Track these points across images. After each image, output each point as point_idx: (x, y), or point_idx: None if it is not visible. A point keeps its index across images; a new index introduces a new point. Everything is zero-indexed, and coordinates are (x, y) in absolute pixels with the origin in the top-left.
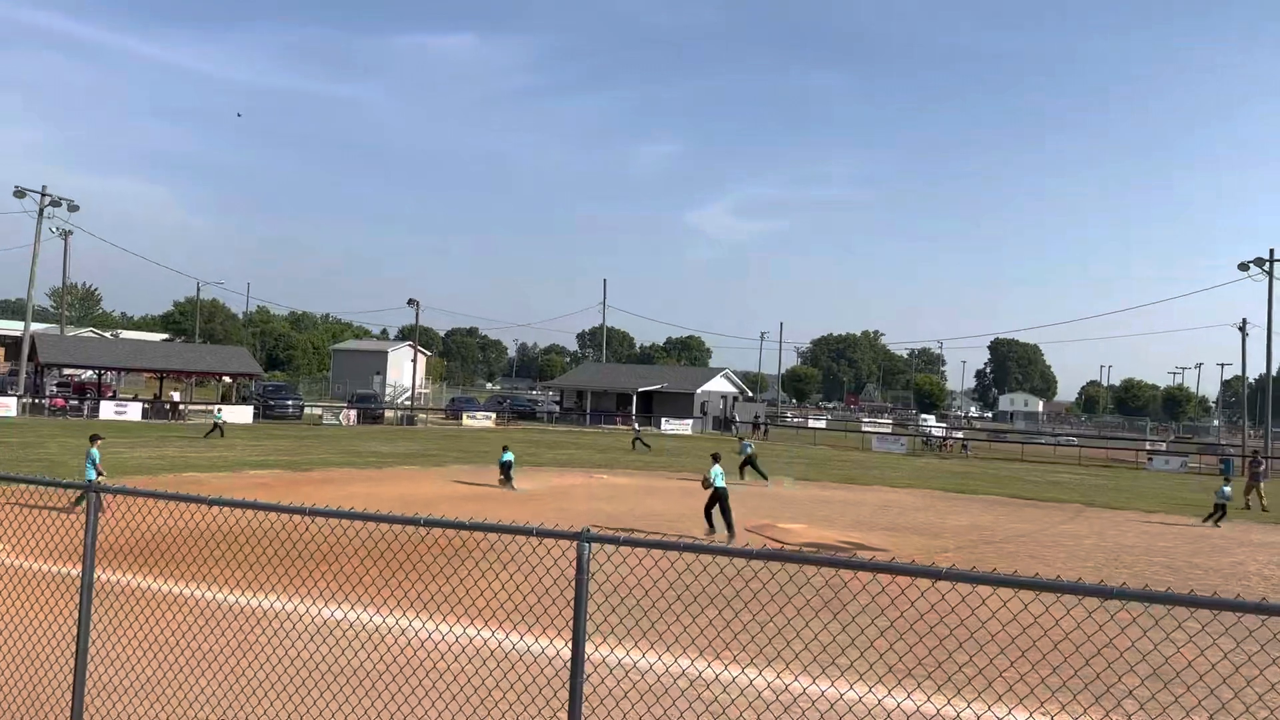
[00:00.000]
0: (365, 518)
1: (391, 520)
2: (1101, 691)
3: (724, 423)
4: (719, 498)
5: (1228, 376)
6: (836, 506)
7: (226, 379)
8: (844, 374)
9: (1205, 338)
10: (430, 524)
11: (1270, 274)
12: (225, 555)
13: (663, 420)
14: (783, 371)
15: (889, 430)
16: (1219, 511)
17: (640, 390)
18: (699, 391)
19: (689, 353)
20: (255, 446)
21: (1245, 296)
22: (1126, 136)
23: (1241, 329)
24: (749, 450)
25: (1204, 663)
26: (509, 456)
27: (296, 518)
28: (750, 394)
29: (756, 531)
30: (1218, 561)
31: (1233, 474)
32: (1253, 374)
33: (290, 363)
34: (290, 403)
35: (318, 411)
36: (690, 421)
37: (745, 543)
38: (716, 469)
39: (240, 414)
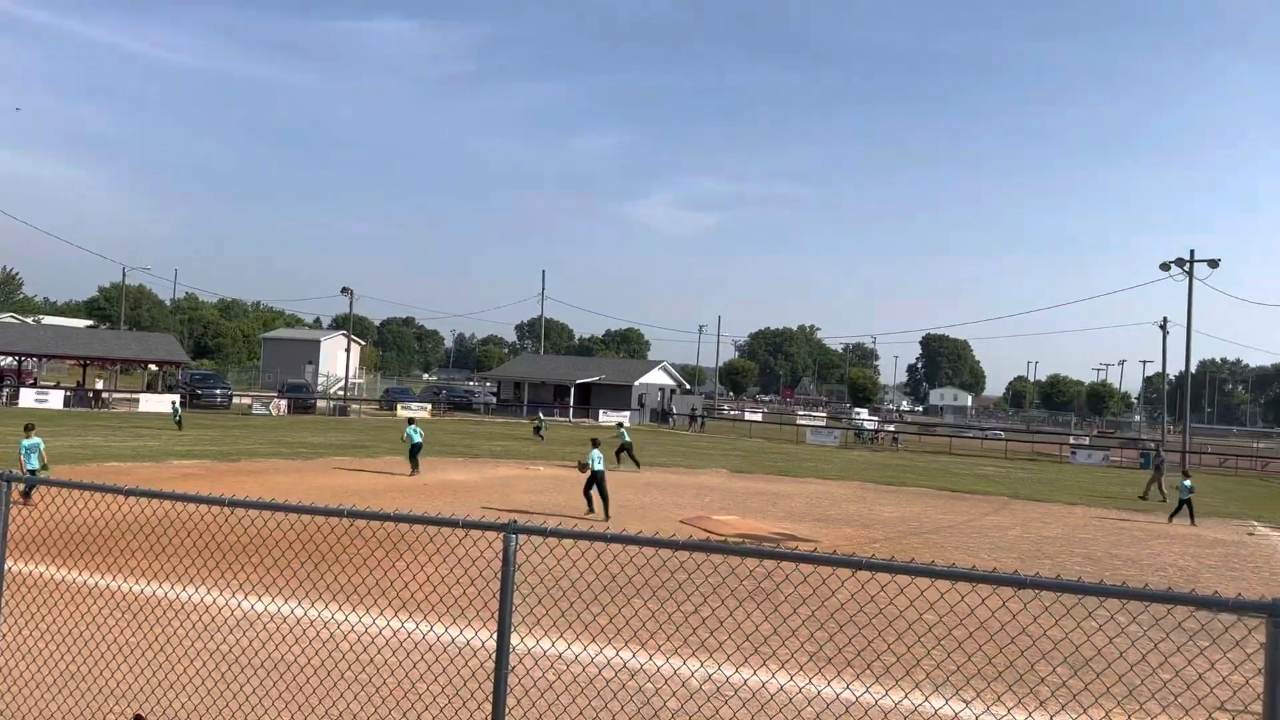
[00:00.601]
0: (288, 509)
1: (314, 511)
2: (1015, 679)
3: (661, 415)
4: (597, 480)
5: (1149, 373)
6: (770, 498)
7: (152, 367)
8: (780, 367)
9: (1128, 336)
10: (354, 515)
11: (1190, 274)
12: (146, 547)
13: (600, 412)
14: (720, 365)
15: (823, 424)
16: (1184, 506)
17: (578, 382)
18: (637, 384)
19: (628, 345)
20: (181, 436)
21: (1167, 296)
22: (1055, 137)
23: (1163, 327)
24: (625, 438)
25: (1113, 650)
26: (418, 438)
27: (219, 509)
28: (688, 386)
29: (690, 523)
30: (1136, 552)
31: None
32: (1173, 371)
33: (219, 351)
34: (218, 392)
35: (247, 401)
36: (628, 413)
37: (666, 533)
38: (595, 453)
39: (165, 403)
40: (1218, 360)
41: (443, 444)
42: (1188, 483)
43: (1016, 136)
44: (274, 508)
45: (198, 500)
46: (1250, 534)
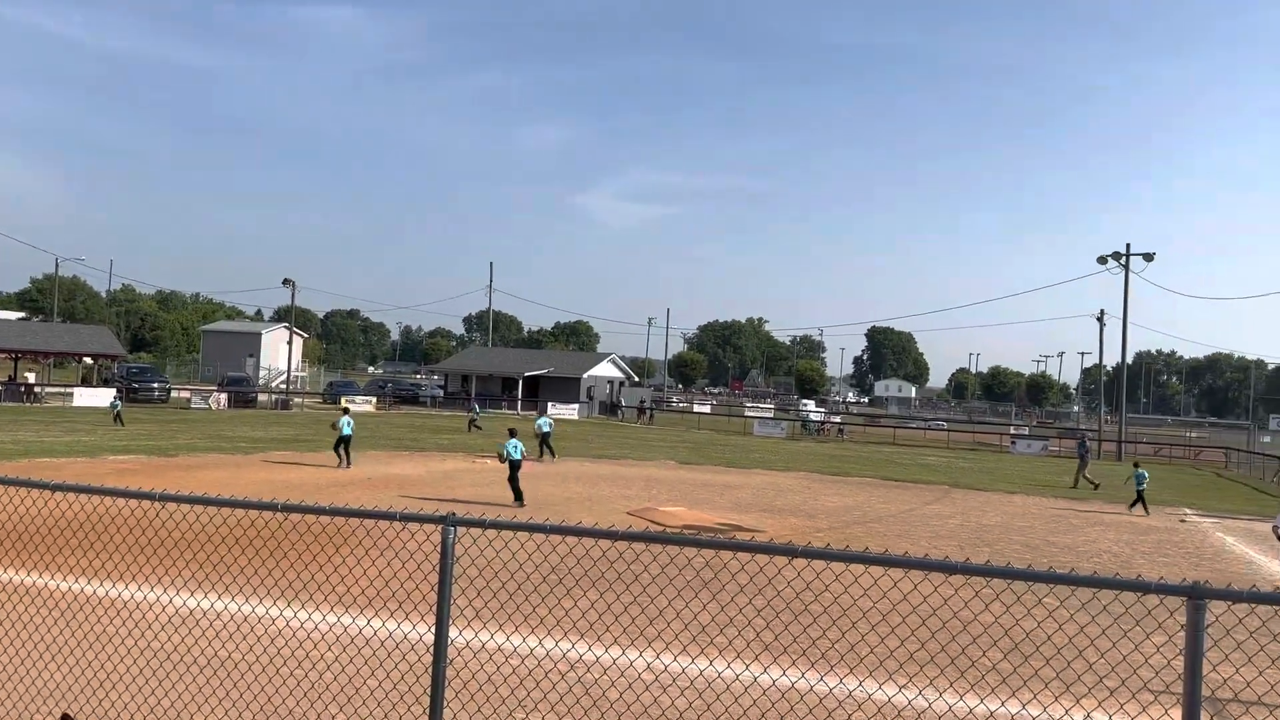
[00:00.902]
0: (220, 503)
1: (248, 506)
2: (947, 662)
3: (610, 407)
4: (514, 469)
5: (1087, 365)
6: (717, 489)
7: (87, 360)
8: (729, 360)
9: (1067, 328)
10: (289, 509)
11: (1126, 268)
12: (75, 543)
13: (549, 405)
14: (669, 357)
15: (770, 415)
16: (1141, 496)
17: (526, 375)
18: (585, 376)
19: (577, 338)
20: (117, 431)
21: (1105, 288)
22: (999, 131)
23: (1100, 319)
24: (545, 429)
25: (1042, 634)
26: (349, 430)
27: (153, 504)
28: (637, 379)
29: (637, 515)
30: (1073, 539)
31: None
32: (1110, 362)
33: (157, 344)
34: (156, 385)
35: (185, 395)
36: (576, 406)
37: (610, 524)
38: (513, 442)
39: (101, 397)
40: (1153, 352)
41: (389, 438)
42: (1142, 472)
43: (957, 130)
44: (207, 502)
45: (128, 495)
46: (1182, 521)
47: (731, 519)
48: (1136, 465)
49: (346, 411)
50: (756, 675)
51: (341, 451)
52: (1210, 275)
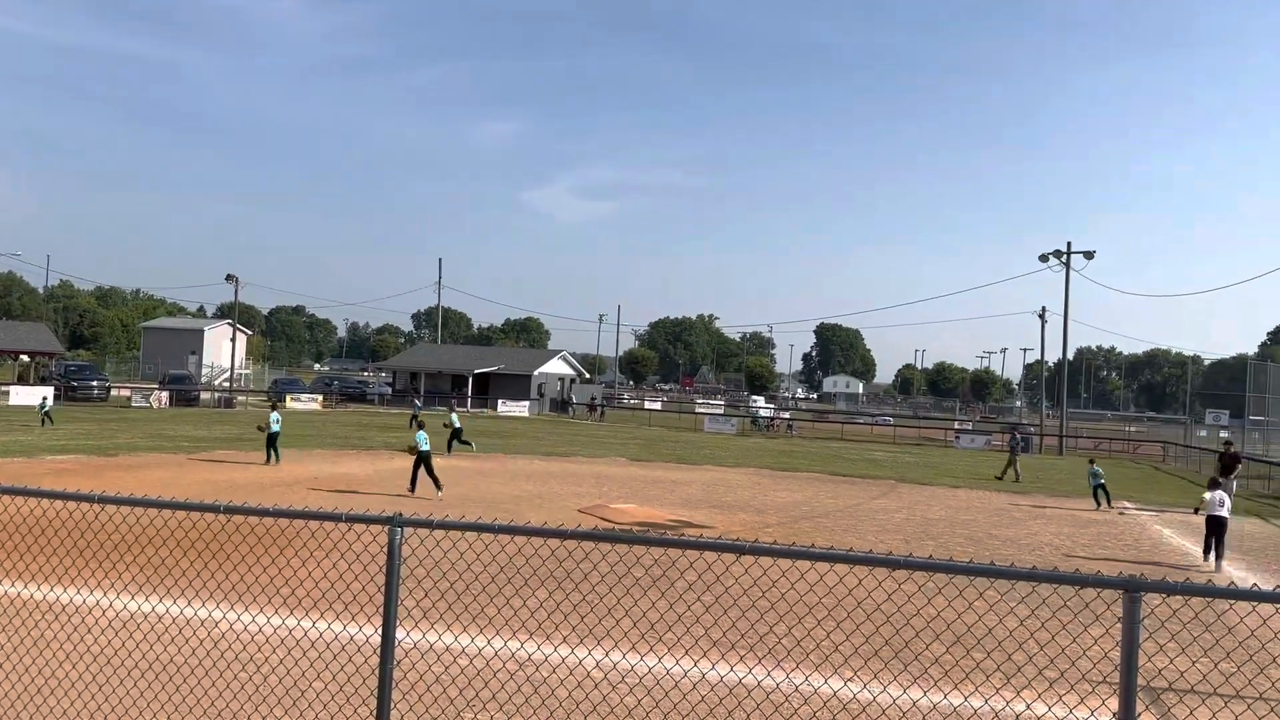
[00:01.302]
0: (161, 505)
1: (190, 508)
2: (910, 659)
3: (561, 404)
4: (424, 460)
5: (1030, 361)
6: (667, 486)
7: (24, 358)
8: (680, 356)
9: (1010, 324)
10: (231, 511)
11: (1068, 265)
12: (13, 547)
13: (499, 402)
14: (620, 354)
15: (720, 411)
16: (1099, 491)
17: (476, 372)
18: (536, 373)
19: (528, 334)
20: (55, 430)
21: (1047, 286)
22: (944, 132)
23: (1041, 316)
24: (455, 424)
25: (982, 626)
26: (277, 426)
27: (92, 506)
28: (588, 376)
29: (588, 512)
30: (1015, 532)
31: (1030, 451)
32: (1052, 358)
33: (97, 341)
34: (95, 383)
35: (126, 393)
36: (527, 403)
37: (560, 522)
38: (421, 434)
39: (38, 396)
40: (1094, 348)
41: (335, 436)
42: (1097, 469)
43: (904, 131)
44: (147, 504)
45: (65, 497)
46: (1121, 513)
47: (682, 515)
48: (1092, 462)
49: (275, 408)
50: (705, 671)
51: (272, 447)
52: (1149, 273)
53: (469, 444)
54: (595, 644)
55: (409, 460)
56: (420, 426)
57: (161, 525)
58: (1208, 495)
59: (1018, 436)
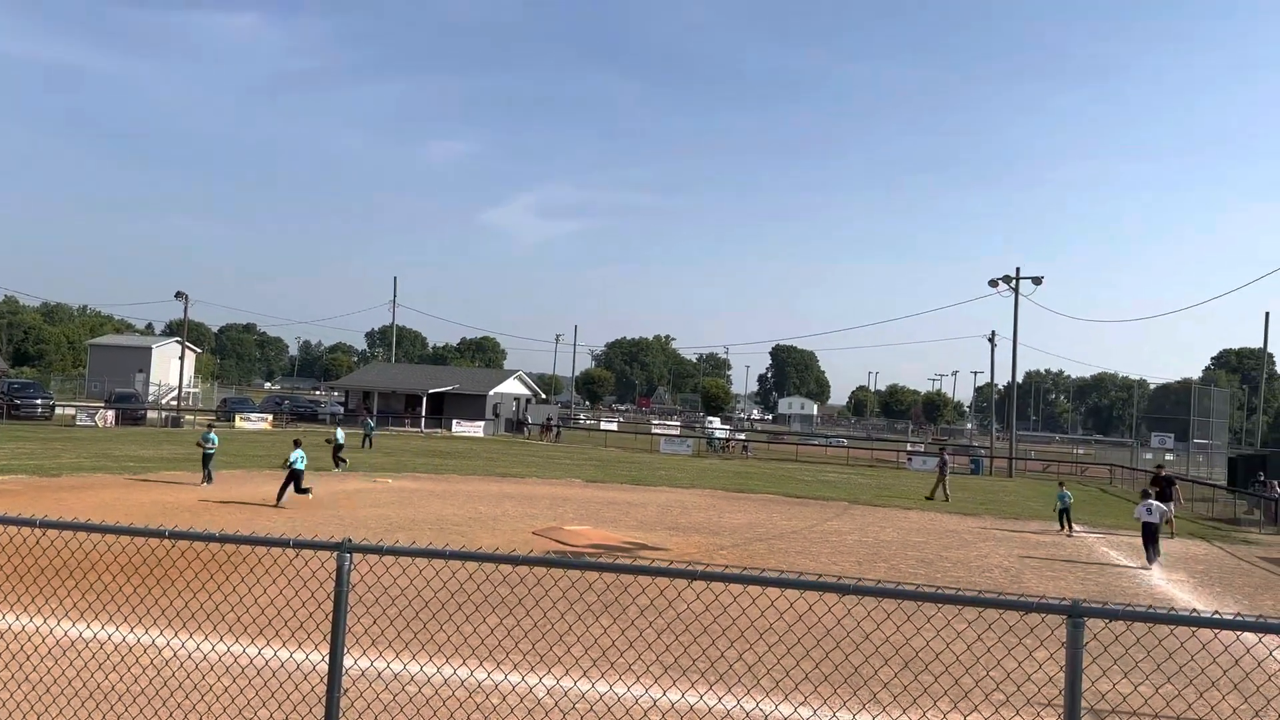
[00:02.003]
0: (104, 529)
1: (134, 533)
2: (859, 684)
3: (516, 425)
4: (295, 477)
5: (980, 384)
6: (623, 508)
7: None
8: (636, 377)
9: (961, 348)
10: (176, 536)
11: (1016, 290)
12: None
13: (454, 422)
14: (577, 374)
15: (677, 433)
16: (1064, 515)
17: (431, 392)
18: (491, 393)
19: (484, 354)
20: None
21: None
22: (898, 158)
23: (991, 340)
24: (338, 440)
25: (930, 651)
26: (213, 447)
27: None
28: (544, 396)
29: (543, 535)
30: (965, 554)
31: (982, 472)
32: (1002, 381)
33: (41, 358)
34: (39, 402)
35: (71, 412)
36: (482, 423)
37: (514, 545)
38: (298, 452)
39: None
40: (1042, 371)
41: (284, 457)
42: (1065, 492)
43: (858, 156)
44: (90, 529)
45: (4, 521)
46: (1069, 535)
47: (637, 538)
48: (1061, 485)
49: (211, 427)
50: (657, 697)
51: (206, 467)
52: (1096, 299)
53: (343, 461)
54: (546, 670)
55: (360, 482)
56: (297, 445)
57: (105, 549)
58: (1138, 507)
59: (945, 456)
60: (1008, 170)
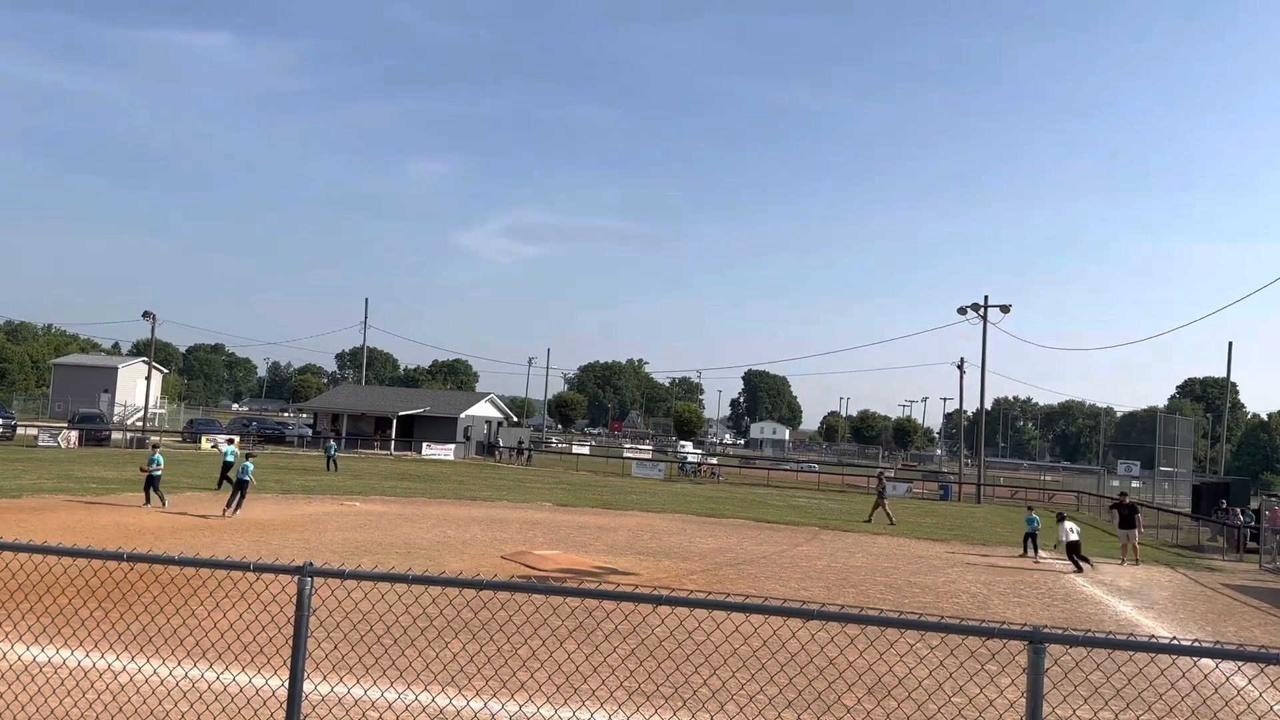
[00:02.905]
0: (62, 552)
1: (91, 555)
2: (823, 710)
3: (488, 448)
4: (151, 481)
5: (949, 410)
6: (594, 532)
7: None
8: (609, 400)
9: (931, 374)
10: (135, 559)
11: (985, 318)
12: None
13: (424, 445)
14: (549, 397)
15: (649, 457)
16: (1029, 540)
17: (401, 414)
18: (463, 416)
19: (455, 376)
20: None
21: (966, 338)
22: (870, 186)
23: (960, 367)
24: (228, 458)
25: (895, 676)
26: (159, 469)
27: None
28: (516, 419)
29: (512, 559)
30: (933, 580)
31: (951, 498)
32: (970, 408)
33: (4, 377)
34: (0, 422)
35: (33, 432)
36: (453, 446)
37: (479, 569)
38: (155, 456)
39: None
40: (1011, 398)
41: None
42: (1033, 516)
43: (832, 184)
44: (46, 551)
45: None
46: (1037, 562)
47: (607, 562)
48: (1030, 509)
49: (156, 448)
50: None
51: (151, 491)
52: (1065, 328)
53: (225, 480)
54: (510, 696)
55: (327, 505)
56: (155, 448)
57: (61, 572)
58: (1063, 529)
59: (884, 480)
60: (979, 202)
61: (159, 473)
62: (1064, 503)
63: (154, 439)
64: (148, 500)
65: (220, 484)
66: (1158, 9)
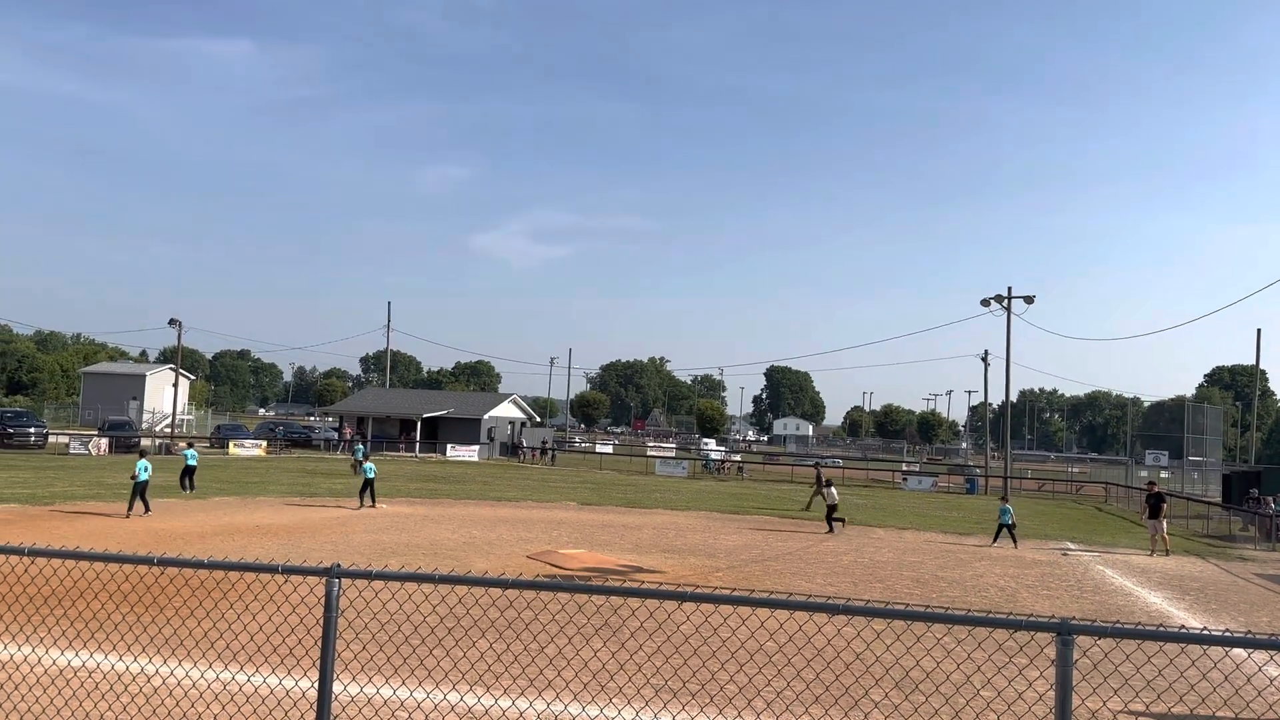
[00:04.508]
0: (93, 557)
1: (122, 560)
2: (850, 704)
3: (512, 449)
4: (139, 488)
5: (974, 403)
6: (618, 530)
7: None
8: (631, 399)
9: (956, 367)
10: (165, 563)
11: (1009, 309)
12: None
13: (449, 446)
14: (572, 397)
15: (672, 455)
16: (1002, 530)
17: (425, 416)
18: (486, 417)
19: (478, 378)
20: None
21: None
22: (892, 179)
23: (984, 359)
24: (190, 461)
25: (922, 671)
26: (145, 475)
27: (21, 558)
28: (539, 419)
29: (538, 558)
30: (961, 574)
31: (977, 491)
32: (995, 400)
33: (35, 386)
34: (33, 430)
35: (65, 440)
36: (477, 448)
37: (504, 569)
38: (142, 463)
39: None
40: (1036, 390)
41: (279, 483)
42: (1007, 507)
43: (853, 176)
44: (78, 556)
45: None
46: (1064, 554)
47: (632, 561)
48: (1003, 500)
49: (143, 455)
50: (655, 718)
51: (137, 499)
52: (1090, 317)
53: (190, 488)
54: (538, 694)
55: (356, 509)
56: (142, 455)
57: (94, 577)
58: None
59: (819, 471)
60: (1001, 192)
61: (145, 477)
62: (1092, 495)
63: (144, 444)
64: (131, 509)
65: (184, 487)
66: None
